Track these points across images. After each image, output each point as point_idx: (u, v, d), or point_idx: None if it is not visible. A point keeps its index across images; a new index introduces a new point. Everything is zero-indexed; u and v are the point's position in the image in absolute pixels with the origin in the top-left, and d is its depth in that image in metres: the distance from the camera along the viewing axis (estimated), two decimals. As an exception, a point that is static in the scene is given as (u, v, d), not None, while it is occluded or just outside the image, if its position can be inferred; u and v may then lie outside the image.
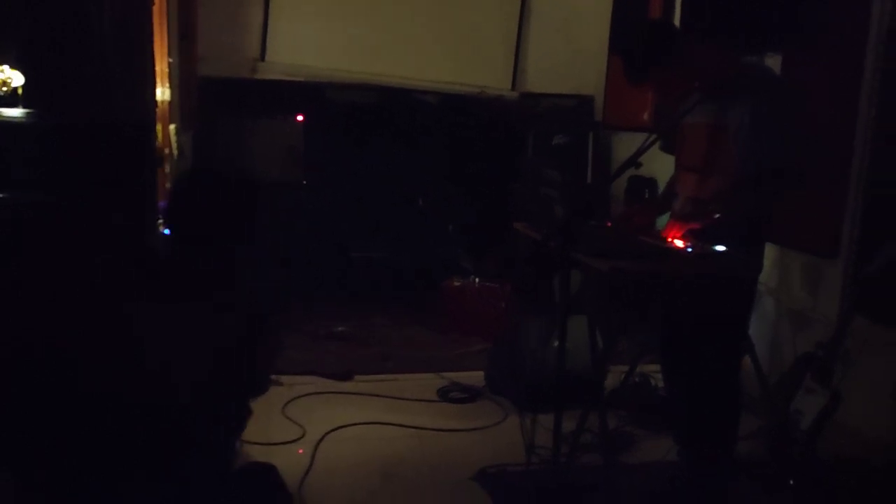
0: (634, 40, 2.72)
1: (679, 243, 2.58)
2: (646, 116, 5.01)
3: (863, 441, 3.23)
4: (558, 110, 5.65)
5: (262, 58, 5.41)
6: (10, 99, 2.73)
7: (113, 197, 2.98)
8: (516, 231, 3.10)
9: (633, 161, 2.46)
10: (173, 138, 4.17)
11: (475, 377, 3.98)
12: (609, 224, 2.92)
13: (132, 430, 1.82)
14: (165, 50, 3.98)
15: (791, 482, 2.96)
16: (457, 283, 4.89)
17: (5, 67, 2.72)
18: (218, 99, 5.18)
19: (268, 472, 2.09)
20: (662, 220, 2.86)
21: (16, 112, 2.73)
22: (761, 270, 2.73)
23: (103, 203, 2.92)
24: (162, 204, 4.10)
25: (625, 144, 5.48)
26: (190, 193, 2.01)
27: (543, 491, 2.76)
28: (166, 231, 3.83)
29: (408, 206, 5.54)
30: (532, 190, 2.86)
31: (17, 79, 2.73)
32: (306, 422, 3.39)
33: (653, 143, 2.48)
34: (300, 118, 5.30)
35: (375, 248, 5.50)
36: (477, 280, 4.88)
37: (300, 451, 3.15)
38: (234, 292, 1.98)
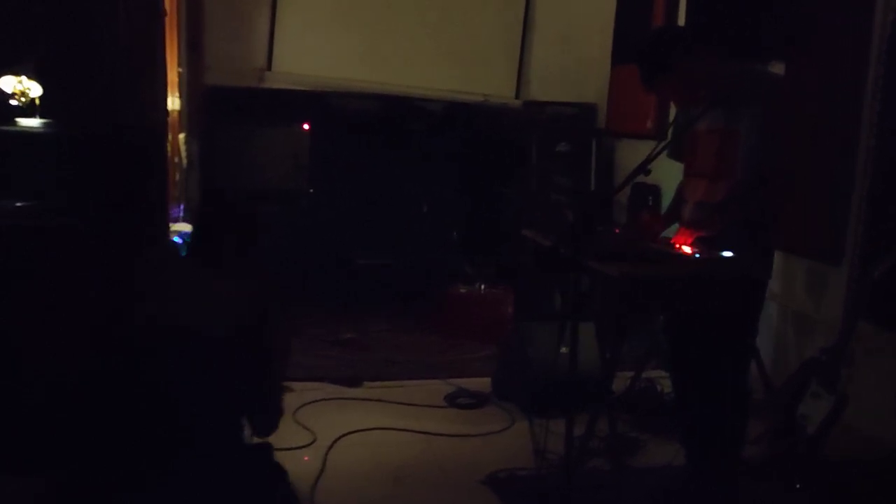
0: (646, 45, 2.76)
1: (687, 249, 2.62)
2: (649, 124, 5.07)
3: (869, 443, 3.28)
4: (561, 118, 5.71)
5: (269, 67, 5.48)
6: (29, 109, 2.78)
7: (126, 203, 3.02)
8: (524, 237, 3.14)
9: (644, 168, 2.51)
10: (182, 147, 4.22)
11: (482, 383, 4.01)
12: (617, 230, 2.96)
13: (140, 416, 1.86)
14: (175, 60, 4.03)
15: (797, 485, 2.99)
16: (462, 290, 4.93)
17: (23, 78, 2.76)
18: (225, 108, 5.24)
19: (264, 451, 2.15)
20: (671, 231, 2.90)
21: (34, 122, 2.78)
22: (770, 276, 2.77)
23: (117, 209, 2.97)
24: (174, 211, 4.16)
25: (628, 152, 5.53)
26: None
27: (554, 495, 2.79)
28: (176, 239, 3.88)
29: (412, 213, 5.59)
30: (539, 196, 2.90)
31: (35, 89, 2.78)
32: (317, 427, 3.42)
33: (662, 149, 2.53)
34: (306, 127, 5.35)
35: (380, 255, 5.54)
36: (482, 286, 4.92)
37: (306, 458, 3.18)
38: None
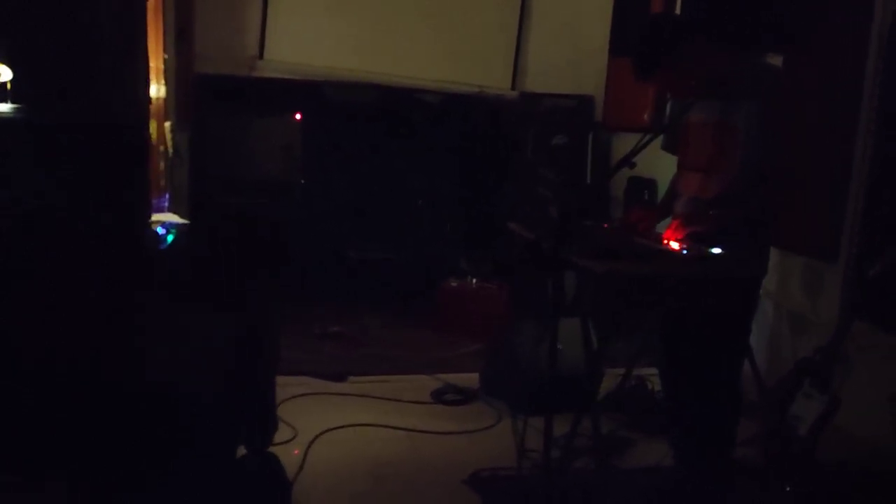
0: (644, 41, 2.67)
1: (675, 245, 2.54)
2: (646, 117, 4.97)
3: (861, 446, 3.20)
4: (558, 110, 5.61)
5: (261, 55, 5.38)
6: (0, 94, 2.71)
7: (105, 194, 2.94)
8: (511, 231, 3.06)
9: (628, 161, 2.42)
10: (168, 136, 4.15)
11: (470, 379, 3.94)
12: (606, 225, 2.88)
13: (134, 424, 1.82)
14: (160, 46, 3.95)
15: (788, 488, 2.92)
16: (453, 284, 4.86)
17: (-6, 62, 2.69)
18: (215, 96, 5.15)
19: (267, 461, 2.11)
20: (663, 225, 2.82)
21: (4, 107, 2.71)
22: (766, 273, 2.69)
23: (95, 201, 2.89)
24: (159, 201, 4.09)
25: (624, 145, 5.42)
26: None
27: (537, 495, 2.72)
28: (159, 229, 3.81)
29: (406, 206, 5.50)
30: (527, 190, 2.82)
31: (5, 73, 2.71)
32: (298, 423, 3.35)
33: (648, 142, 2.44)
34: (298, 117, 5.26)
35: (372, 248, 5.46)
36: (474, 281, 4.86)
37: (296, 451, 3.12)
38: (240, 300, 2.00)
